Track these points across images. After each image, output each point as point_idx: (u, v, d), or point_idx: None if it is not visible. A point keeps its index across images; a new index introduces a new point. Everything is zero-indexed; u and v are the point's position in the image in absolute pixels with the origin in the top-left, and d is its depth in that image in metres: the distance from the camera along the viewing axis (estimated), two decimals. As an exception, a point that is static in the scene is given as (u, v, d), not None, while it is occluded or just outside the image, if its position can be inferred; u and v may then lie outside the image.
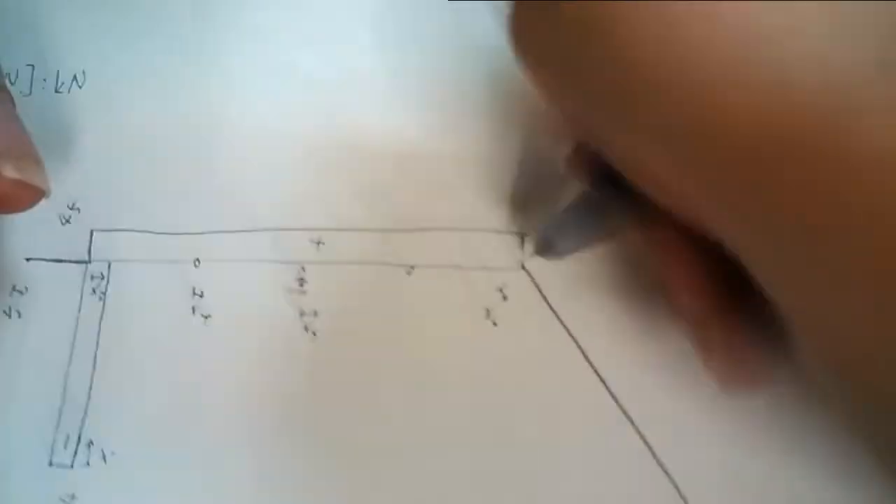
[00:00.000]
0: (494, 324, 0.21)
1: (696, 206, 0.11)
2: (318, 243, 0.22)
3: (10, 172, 0.19)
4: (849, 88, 0.09)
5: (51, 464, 0.20)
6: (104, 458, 0.20)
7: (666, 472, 0.20)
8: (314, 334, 0.21)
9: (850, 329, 0.10)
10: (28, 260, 0.22)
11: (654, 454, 0.19)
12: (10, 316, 0.22)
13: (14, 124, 0.21)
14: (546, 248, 0.20)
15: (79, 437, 0.20)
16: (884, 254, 0.09)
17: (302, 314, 0.21)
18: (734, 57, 0.10)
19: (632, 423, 0.20)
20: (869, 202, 0.09)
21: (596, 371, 0.20)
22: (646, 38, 0.10)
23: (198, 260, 0.22)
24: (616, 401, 0.20)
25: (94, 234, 0.22)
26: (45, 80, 0.23)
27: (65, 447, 0.20)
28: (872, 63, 0.09)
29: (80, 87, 0.23)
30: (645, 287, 0.20)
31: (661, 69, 0.10)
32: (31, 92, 0.23)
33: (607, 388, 0.20)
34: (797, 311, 0.11)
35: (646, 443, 0.20)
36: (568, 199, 0.19)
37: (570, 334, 0.20)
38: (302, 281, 0.21)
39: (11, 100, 0.21)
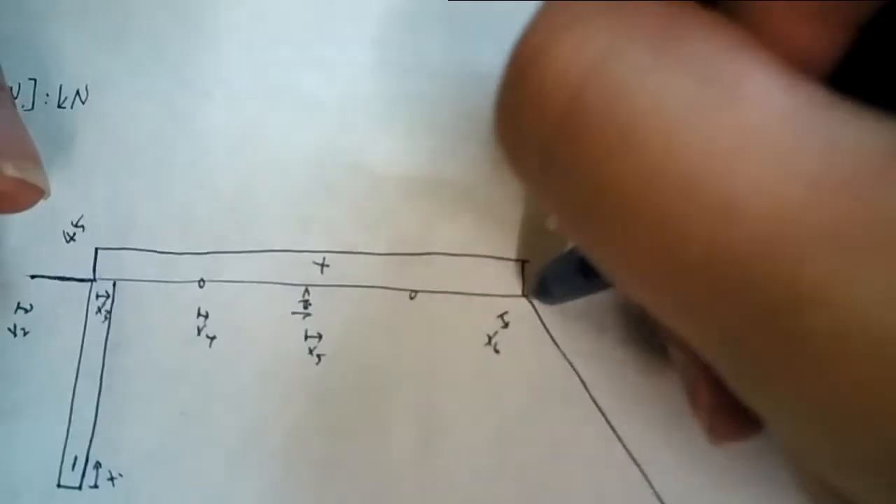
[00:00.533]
0: (496, 351, 0.21)
1: (657, 307, 0.12)
2: (323, 265, 0.22)
3: (11, 171, 0.19)
4: (784, 213, 0.09)
5: (59, 485, 0.21)
6: (112, 480, 0.21)
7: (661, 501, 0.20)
8: (319, 358, 0.21)
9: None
10: (33, 277, 0.22)
11: (651, 486, 0.20)
12: (15, 334, 0.22)
13: (14, 124, 0.21)
14: (540, 294, 0.20)
15: (86, 459, 0.21)
16: (812, 378, 0.09)
17: (307, 337, 0.21)
18: (688, 172, 0.10)
19: (630, 455, 0.20)
20: (802, 332, 0.09)
21: (595, 401, 0.20)
22: (608, 148, 0.11)
23: (202, 280, 0.22)
24: (615, 433, 0.20)
25: (99, 252, 0.22)
26: (47, 94, 0.23)
27: (73, 469, 0.21)
28: (805, 185, 0.09)
29: (83, 102, 0.23)
30: (646, 320, 0.21)
31: (622, 178, 0.11)
32: (33, 107, 0.23)
33: (607, 419, 0.20)
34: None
35: (643, 473, 0.20)
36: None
37: (571, 364, 0.21)
38: (306, 303, 0.22)
39: (11, 99, 0.21)
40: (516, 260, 0.22)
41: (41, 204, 0.21)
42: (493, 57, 0.23)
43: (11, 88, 0.23)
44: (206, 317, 0.22)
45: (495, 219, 0.22)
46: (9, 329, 0.22)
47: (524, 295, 0.21)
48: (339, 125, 0.22)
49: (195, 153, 0.23)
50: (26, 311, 0.22)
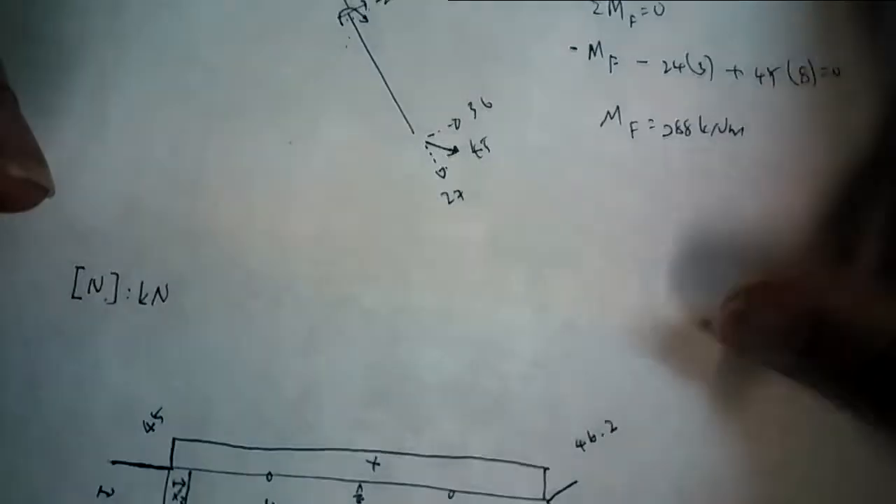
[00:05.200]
0: (520, 546, 0.25)
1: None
2: (374, 464, 0.25)
3: (16, 171, 0.20)
4: None
5: None
6: None
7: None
8: (370, 548, 0.25)
9: None
10: (114, 463, 0.25)
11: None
12: (99, 517, 0.25)
13: (18, 124, 0.22)
14: None
15: None
16: None
17: (361, 529, 0.25)
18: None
19: None
20: None
21: None
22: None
23: (270, 474, 0.25)
24: None
25: (176, 442, 0.25)
26: (129, 289, 0.26)
27: None
28: None
29: (163, 300, 0.26)
30: None
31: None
32: (115, 300, 0.25)
33: None
34: None
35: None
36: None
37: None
38: (360, 498, 0.25)
39: (14, 99, 0.22)
40: (539, 467, 0.26)
41: (123, 395, 0.24)
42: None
43: (94, 281, 0.25)
44: (274, 508, 0.25)
45: (521, 429, 0.26)
46: (92, 512, 0.25)
47: (545, 499, 0.25)
48: (392, 337, 0.26)
49: (264, 356, 0.26)
50: (108, 494, 0.25)
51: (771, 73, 0.27)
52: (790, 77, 0.27)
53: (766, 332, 0.23)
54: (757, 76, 0.27)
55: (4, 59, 0.23)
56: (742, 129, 0.27)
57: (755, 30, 0.27)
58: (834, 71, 0.27)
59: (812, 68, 0.27)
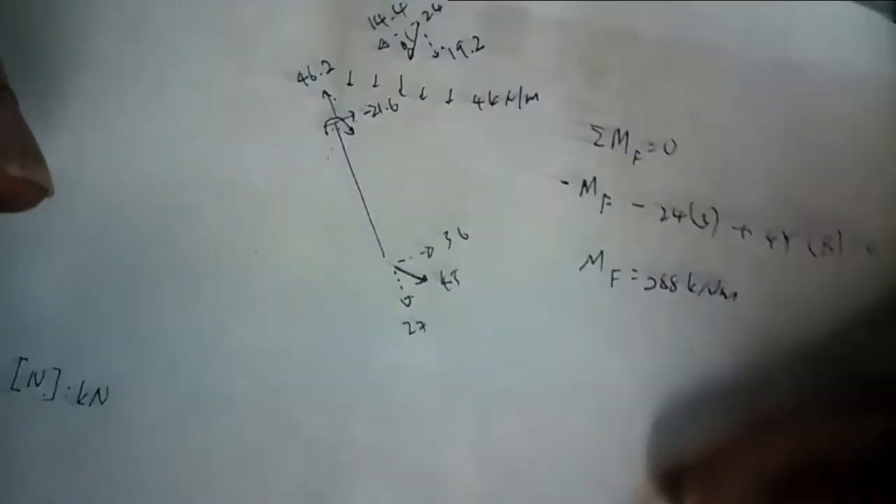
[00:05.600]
0: None
1: None
2: None
3: (16, 171, 0.20)
4: None
5: None
6: None
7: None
8: None
9: None
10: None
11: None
12: None
13: (17, 124, 0.22)
14: None
15: None
16: None
17: None
18: None
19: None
20: None
21: None
22: None
23: None
24: None
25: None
26: (69, 387, 0.25)
27: None
28: None
29: (101, 402, 0.25)
30: None
31: None
32: (53, 397, 0.25)
33: None
34: None
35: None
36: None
37: None
38: None
39: (14, 99, 0.22)
40: None
41: (44, 495, 0.24)
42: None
43: (35, 375, 0.25)
44: None
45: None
46: None
47: None
48: (329, 467, 0.25)
49: (194, 474, 0.25)
50: None
51: (786, 238, 0.25)
52: (809, 246, 0.25)
53: None
54: (768, 238, 0.25)
55: (4, 59, 0.23)
56: (735, 293, 0.25)
57: (775, 185, 0.25)
58: (868, 247, 0.25)
59: (840, 239, 0.25)
